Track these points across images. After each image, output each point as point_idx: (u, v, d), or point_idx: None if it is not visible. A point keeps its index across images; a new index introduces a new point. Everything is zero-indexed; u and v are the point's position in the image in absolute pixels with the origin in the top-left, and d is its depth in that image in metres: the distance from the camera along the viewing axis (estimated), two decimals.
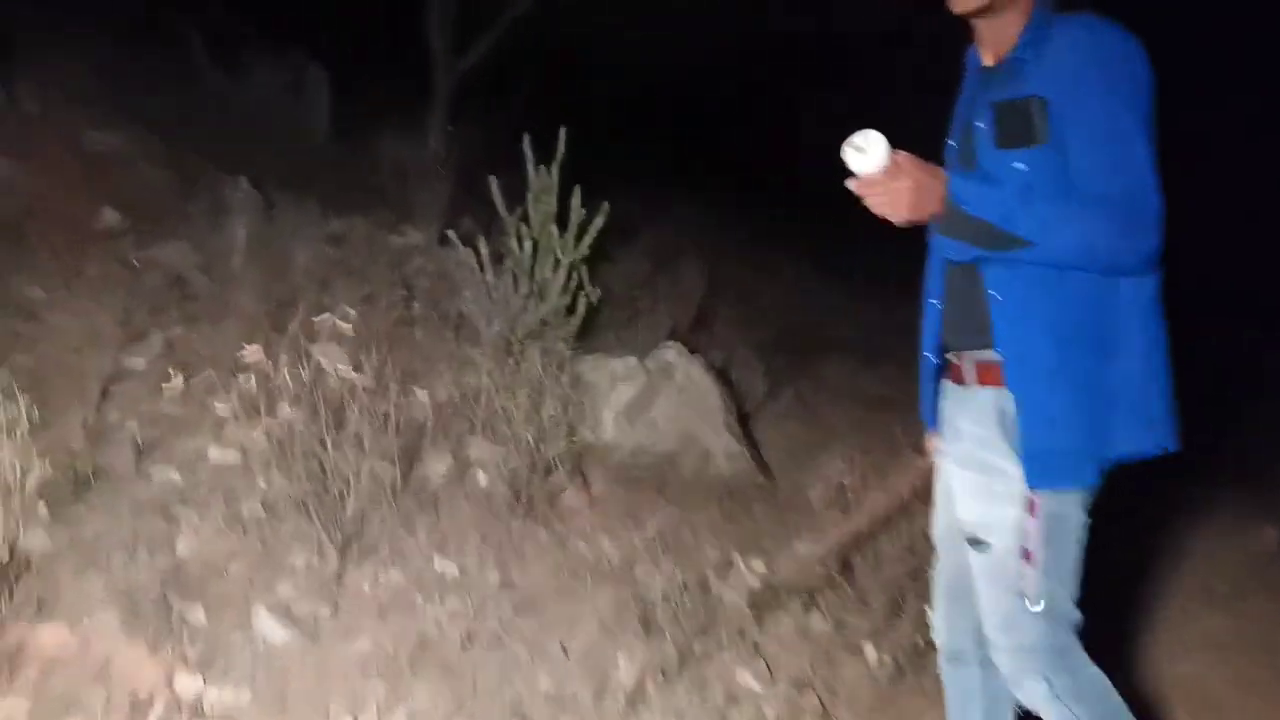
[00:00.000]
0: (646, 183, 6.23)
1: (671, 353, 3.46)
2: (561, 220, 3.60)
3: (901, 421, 4.26)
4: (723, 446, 3.35)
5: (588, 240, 3.61)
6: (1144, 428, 1.51)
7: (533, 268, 3.54)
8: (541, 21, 6.14)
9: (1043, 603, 1.51)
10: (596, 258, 3.85)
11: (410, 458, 2.86)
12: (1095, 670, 1.58)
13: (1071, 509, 1.53)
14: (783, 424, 4.05)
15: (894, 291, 6.21)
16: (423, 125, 5.09)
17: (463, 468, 2.88)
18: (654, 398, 3.34)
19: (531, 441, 2.86)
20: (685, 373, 3.42)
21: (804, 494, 3.45)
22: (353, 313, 3.20)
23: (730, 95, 7.46)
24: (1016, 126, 1.46)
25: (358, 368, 3.01)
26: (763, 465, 3.56)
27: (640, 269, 4.48)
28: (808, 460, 3.79)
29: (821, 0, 6.39)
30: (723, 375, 3.82)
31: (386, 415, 2.78)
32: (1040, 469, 1.49)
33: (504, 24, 5.60)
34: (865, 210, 1.47)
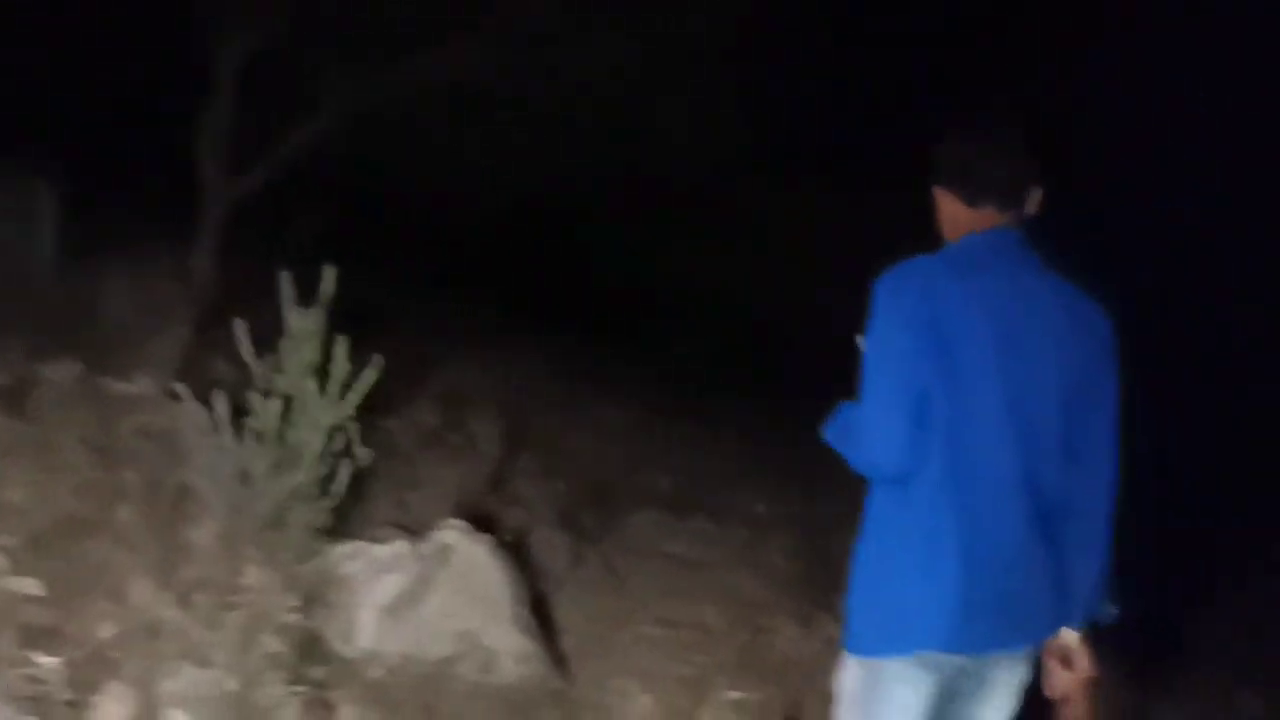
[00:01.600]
0: (444, 322, 5.77)
1: (451, 533, 2.91)
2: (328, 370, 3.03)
3: (709, 587, 3.91)
4: (510, 645, 2.79)
5: (356, 395, 3.05)
6: (895, 624, 1.60)
7: (282, 430, 2.94)
8: (344, 142, 5.67)
9: None
10: (375, 412, 3.29)
11: (86, 692, 2.16)
12: None
13: (880, 676, 1.62)
14: (586, 600, 3.54)
15: (705, 431, 6.04)
16: (177, 255, 4.43)
17: (152, 709, 2.19)
18: (426, 591, 2.77)
19: (252, 669, 2.22)
20: (467, 556, 2.87)
21: (606, 696, 2.94)
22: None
23: (543, 227, 7.19)
24: None
25: (22, 570, 2.31)
26: (559, 661, 3.02)
27: (426, 422, 3.94)
28: (612, 646, 3.30)
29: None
30: (517, 550, 3.30)
31: (57, 635, 2.09)
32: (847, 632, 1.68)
33: (292, 146, 5.08)
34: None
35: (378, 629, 2.67)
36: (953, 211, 1.65)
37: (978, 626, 1.56)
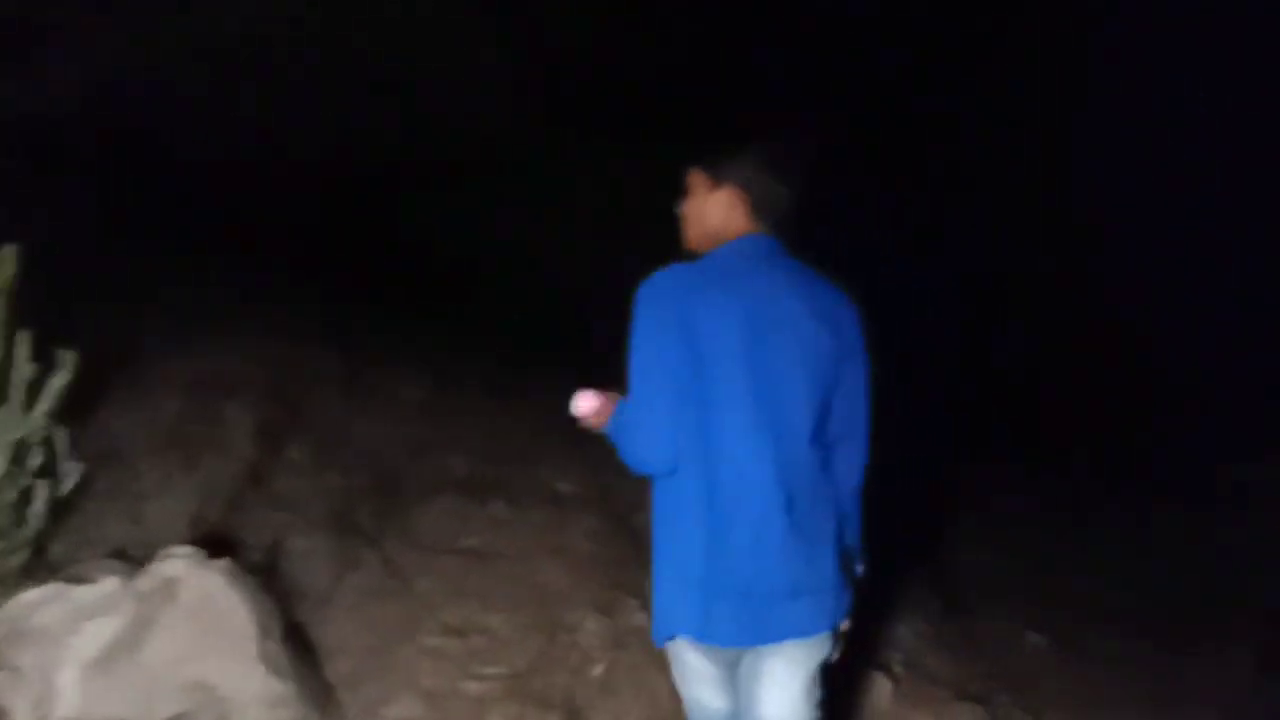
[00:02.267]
0: (210, 297, 5.13)
1: (176, 562, 2.45)
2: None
3: (505, 583, 3.61)
4: (256, 690, 2.39)
5: (51, 398, 2.52)
6: (665, 613, 1.75)
7: None
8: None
9: None
10: (96, 412, 2.76)
11: None
12: None
13: (677, 650, 1.81)
14: (362, 612, 3.17)
15: (505, 404, 5.68)
16: None
17: None
18: (147, 635, 2.32)
19: None
20: (198, 588, 2.43)
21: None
22: None
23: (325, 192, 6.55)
24: None
25: None
26: (323, 694, 2.64)
27: (164, 419, 3.39)
28: (392, 663, 2.96)
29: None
30: (271, 567, 2.88)
31: None
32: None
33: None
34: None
35: (83, 690, 2.21)
36: (727, 215, 1.76)
37: (722, 624, 1.66)
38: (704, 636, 1.68)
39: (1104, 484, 6.44)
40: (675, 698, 1.95)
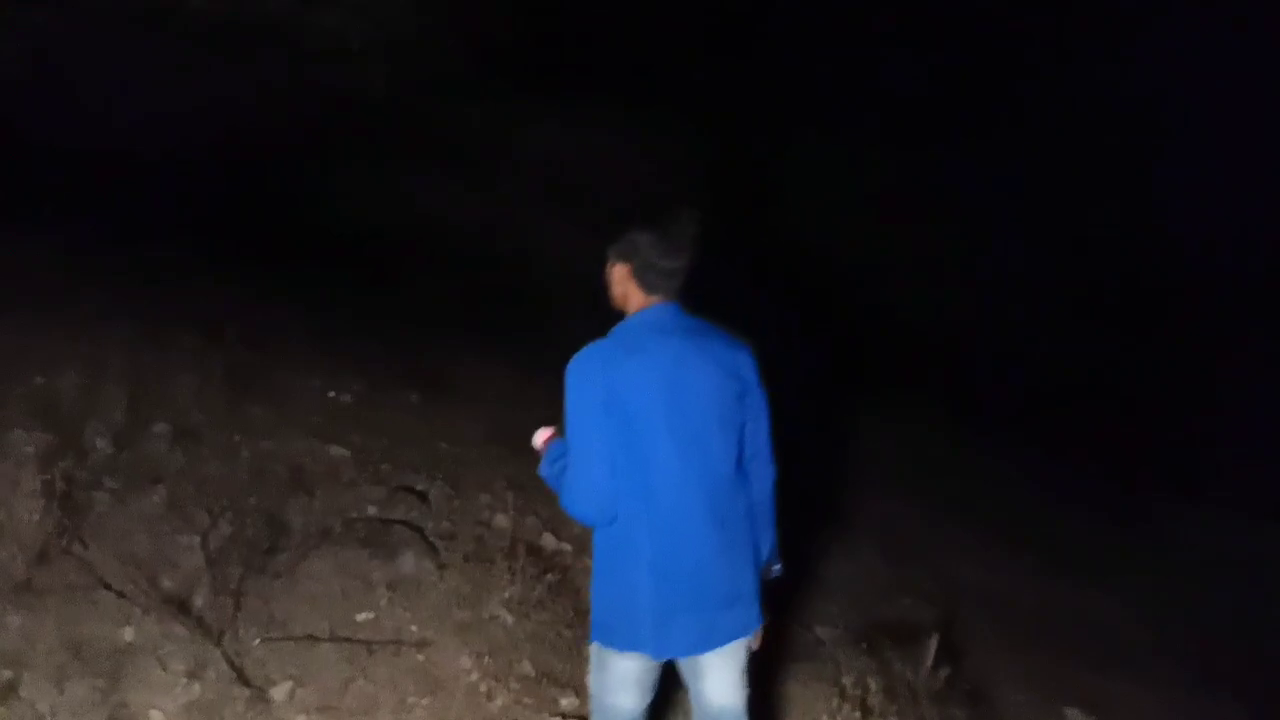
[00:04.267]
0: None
1: None
2: None
3: (391, 674, 2.85)
4: None
5: None
6: (612, 627, 1.98)
7: None
8: None
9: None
10: None
11: None
12: None
13: (605, 656, 2.03)
14: None
15: (448, 402, 4.91)
16: None
17: None
18: None
19: None
20: None
21: None
22: None
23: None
24: None
25: None
26: None
27: None
28: None
29: None
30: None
31: None
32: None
33: None
34: None
35: None
36: (628, 289, 2.00)
37: (674, 634, 1.93)
38: (660, 652, 1.96)
39: None
40: None
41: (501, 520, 3.73)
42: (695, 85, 7.09)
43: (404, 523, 3.54)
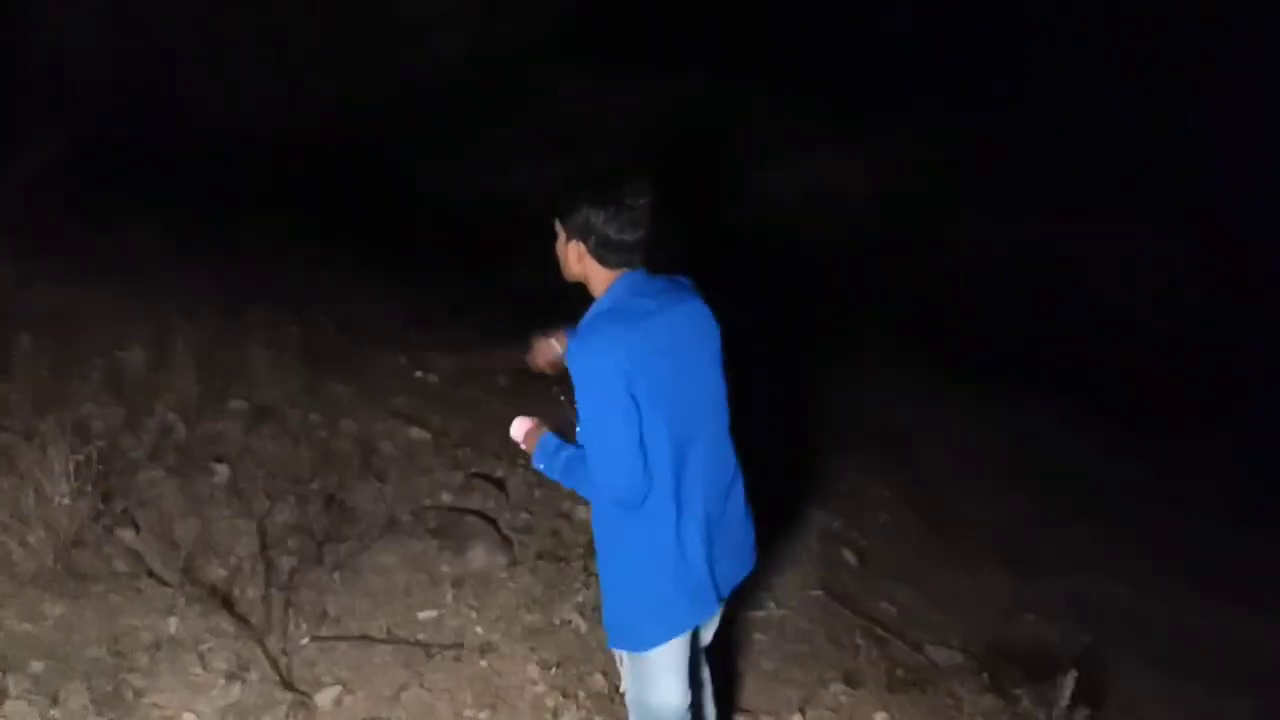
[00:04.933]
0: None
1: None
2: None
3: (450, 683, 2.58)
4: None
5: None
6: (659, 618, 1.96)
7: None
8: None
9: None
10: None
11: None
12: None
13: (660, 656, 2.00)
14: None
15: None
16: None
17: None
18: None
19: None
20: None
21: None
22: None
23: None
24: None
25: None
26: None
27: None
28: None
29: None
30: None
31: None
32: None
33: None
34: None
35: None
36: (587, 266, 1.93)
37: (723, 573, 1.98)
38: (702, 614, 1.99)
39: None
40: None
41: (583, 512, 3.46)
42: (783, 54, 6.77)
43: (478, 513, 3.30)
